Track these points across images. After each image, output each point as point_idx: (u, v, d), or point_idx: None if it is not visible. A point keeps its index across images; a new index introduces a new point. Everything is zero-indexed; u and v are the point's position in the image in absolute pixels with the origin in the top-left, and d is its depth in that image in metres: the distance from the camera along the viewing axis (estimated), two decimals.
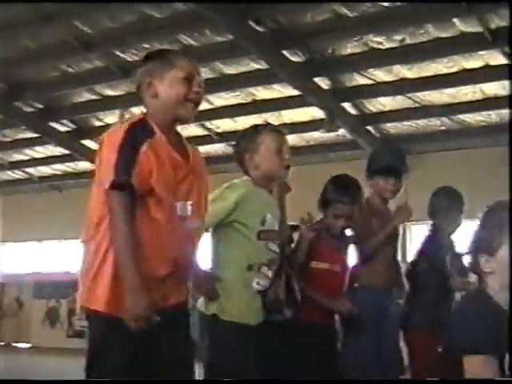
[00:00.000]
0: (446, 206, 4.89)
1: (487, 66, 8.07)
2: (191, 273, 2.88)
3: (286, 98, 9.43)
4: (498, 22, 7.19)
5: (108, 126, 10.67)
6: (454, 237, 4.78)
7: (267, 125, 3.74)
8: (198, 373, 3.22)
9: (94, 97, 10.17)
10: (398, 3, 7.17)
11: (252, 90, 9.37)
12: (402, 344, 4.54)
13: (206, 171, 2.94)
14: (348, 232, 4.37)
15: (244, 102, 9.73)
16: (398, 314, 4.55)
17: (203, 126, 10.51)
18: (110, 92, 9.94)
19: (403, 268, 4.82)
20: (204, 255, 3.12)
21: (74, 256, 12.86)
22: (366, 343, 4.16)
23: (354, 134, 9.91)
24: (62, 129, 11.34)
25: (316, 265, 4.05)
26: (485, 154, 9.36)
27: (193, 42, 8.31)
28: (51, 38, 8.64)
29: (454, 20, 7.30)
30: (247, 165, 3.55)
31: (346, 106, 9.46)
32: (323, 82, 8.95)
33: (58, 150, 12.05)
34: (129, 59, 8.90)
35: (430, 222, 4.97)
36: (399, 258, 4.73)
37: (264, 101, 9.59)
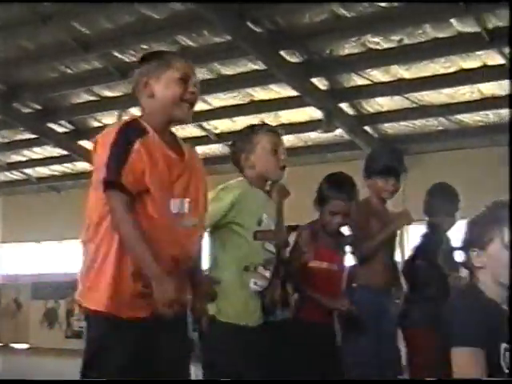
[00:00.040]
0: (441, 203, 4.90)
1: (485, 66, 8.08)
2: (192, 271, 2.89)
3: (284, 98, 9.44)
4: (495, 22, 7.20)
5: (106, 126, 10.68)
6: (450, 233, 4.79)
7: (264, 125, 3.74)
8: (197, 374, 3.23)
9: (92, 98, 10.17)
10: (396, 4, 7.18)
11: (250, 90, 9.38)
12: (400, 343, 4.55)
13: (203, 169, 2.95)
14: (345, 231, 4.38)
15: (242, 102, 9.73)
16: (397, 313, 4.55)
17: (201, 127, 10.51)
18: (108, 93, 9.94)
19: (400, 266, 4.82)
20: (203, 256, 3.13)
21: (73, 257, 12.88)
22: (365, 343, 4.17)
23: (352, 134, 9.92)
24: (60, 130, 11.35)
25: (314, 264, 4.06)
26: (483, 154, 9.38)
27: (191, 43, 8.31)
28: (49, 38, 8.64)
29: (452, 20, 7.31)
30: (243, 165, 3.56)
31: (344, 106, 9.47)
32: (321, 83, 8.95)
33: (56, 151, 12.05)
34: (127, 60, 8.90)
35: (426, 219, 4.98)
36: (397, 257, 4.73)
37: (262, 101, 9.60)
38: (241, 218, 3.34)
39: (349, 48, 8.10)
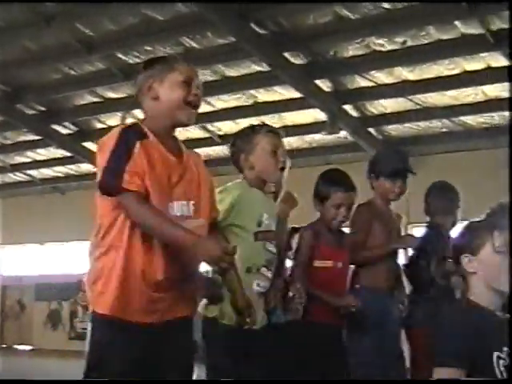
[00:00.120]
0: (441, 202, 4.89)
1: (489, 68, 8.07)
2: (196, 274, 2.89)
3: (288, 100, 9.43)
4: (499, 23, 7.19)
5: (110, 128, 10.67)
6: (452, 232, 4.78)
7: (264, 126, 3.73)
8: (200, 375, 3.22)
9: (95, 99, 10.17)
10: (400, 5, 7.17)
11: (253, 92, 9.38)
12: (403, 343, 4.55)
13: (207, 172, 2.95)
14: (346, 230, 4.39)
15: (245, 104, 9.74)
16: (400, 315, 4.55)
17: (205, 129, 10.51)
18: (111, 94, 9.95)
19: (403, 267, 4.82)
20: None
21: (76, 258, 12.89)
22: (369, 343, 4.17)
23: (356, 136, 9.92)
24: (64, 131, 11.36)
25: (319, 264, 4.05)
26: (486, 155, 9.37)
27: (194, 45, 8.31)
28: (53, 40, 8.64)
29: (456, 22, 7.30)
30: (242, 165, 3.56)
31: (348, 108, 9.46)
32: (325, 85, 8.95)
33: (60, 153, 12.06)
34: (130, 62, 8.90)
35: (427, 219, 4.97)
36: (400, 259, 4.72)
37: (265, 103, 9.60)
38: (241, 220, 3.34)
39: (353, 50, 8.09)
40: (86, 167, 12.38)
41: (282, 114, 9.83)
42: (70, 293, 13.38)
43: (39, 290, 14.26)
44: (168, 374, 2.72)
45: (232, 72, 8.92)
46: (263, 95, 9.45)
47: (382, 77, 8.61)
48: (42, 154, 12.42)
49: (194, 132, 10.20)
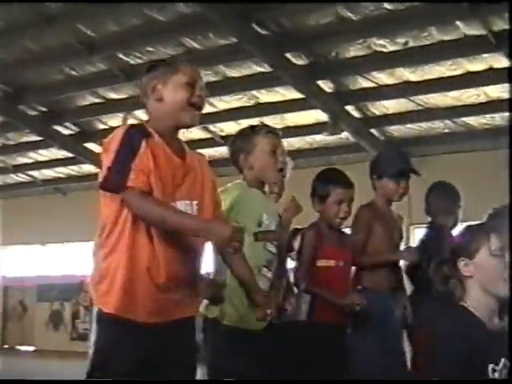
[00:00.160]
0: (442, 202, 4.89)
1: (491, 69, 8.06)
2: (199, 275, 2.90)
3: (290, 100, 9.42)
4: (501, 24, 7.17)
5: (112, 129, 10.65)
6: (453, 232, 4.78)
7: (263, 126, 3.74)
8: (201, 375, 3.22)
9: (97, 100, 10.17)
10: (401, 6, 7.16)
11: (255, 92, 9.37)
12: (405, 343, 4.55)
13: (211, 173, 2.97)
14: (347, 231, 4.39)
15: (247, 105, 9.73)
16: (402, 316, 4.55)
17: (206, 129, 10.51)
18: (113, 95, 9.94)
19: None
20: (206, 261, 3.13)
21: (78, 259, 12.90)
22: (371, 343, 4.17)
23: (358, 136, 9.90)
24: (66, 132, 11.35)
25: (322, 263, 4.06)
26: (489, 156, 9.35)
27: (196, 45, 8.31)
28: (54, 40, 8.64)
29: (458, 23, 7.29)
30: (242, 165, 3.57)
31: (350, 108, 9.45)
32: (326, 85, 8.94)
33: (62, 153, 12.05)
34: (132, 62, 8.90)
35: (429, 219, 4.97)
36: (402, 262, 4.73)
37: (267, 104, 9.59)
38: (240, 220, 3.35)
39: (354, 50, 8.08)
40: (87, 168, 12.38)
41: (284, 115, 9.81)
42: (72, 294, 13.38)
43: (41, 291, 14.24)
44: (172, 374, 2.72)
45: (234, 73, 8.91)
46: (265, 96, 9.45)
47: (383, 78, 8.60)
48: (44, 154, 12.41)
49: (195, 133, 10.19)
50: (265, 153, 3.51)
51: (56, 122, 11.00)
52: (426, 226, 5.09)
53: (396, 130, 10.07)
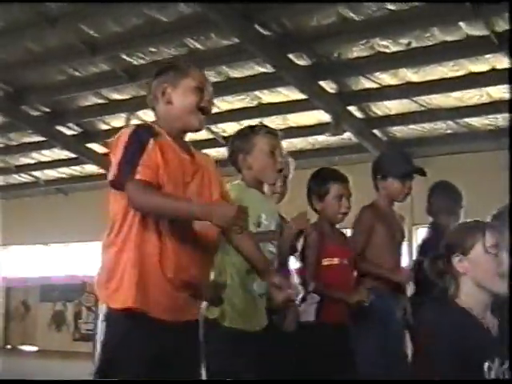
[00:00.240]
0: (443, 202, 4.89)
1: (493, 70, 8.06)
2: (209, 274, 2.91)
3: (292, 101, 9.43)
4: (503, 25, 7.17)
5: (114, 129, 10.68)
6: None
7: (262, 126, 3.74)
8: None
9: (100, 100, 10.18)
10: (404, 6, 7.16)
11: (258, 93, 9.37)
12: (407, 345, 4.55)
13: (217, 172, 3.00)
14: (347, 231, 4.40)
15: (250, 105, 9.74)
16: (403, 317, 4.55)
17: (209, 130, 10.50)
18: (116, 96, 9.95)
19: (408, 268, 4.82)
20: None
21: (80, 259, 12.92)
22: (373, 343, 4.17)
23: (360, 137, 9.91)
24: (69, 132, 11.36)
25: (327, 262, 4.07)
26: (491, 157, 9.34)
27: (199, 46, 8.32)
28: (57, 41, 8.65)
29: (460, 23, 7.29)
30: (240, 165, 3.58)
31: (352, 109, 9.45)
32: (329, 86, 8.95)
33: (65, 154, 12.07)
34: (135, 63, 8.91)
35: (430, 219, 4.97)
36: (405, 263, 4.73)
37: (270, 104, 9.59)
38: None
39: (357, 51, 8.09)
40: (90, 168, 12.40)
41: (286, 116, 9.82)
42: (75, 294, 13.42)
43: (44, 291, 14.29)
44: (179, 374, 2.73)
45: (236, 73, 8.92)
46: (267, 96, 9.45)
47: (386, 78, 8.60)
48: (47, 155, 12.44)
49: (198, 133, 10.18)
50: (263, 153, 3.51)
51: (59, 123, 11.01)
52: (427, 226, 5.09)
53: (398, 130, 10.07)
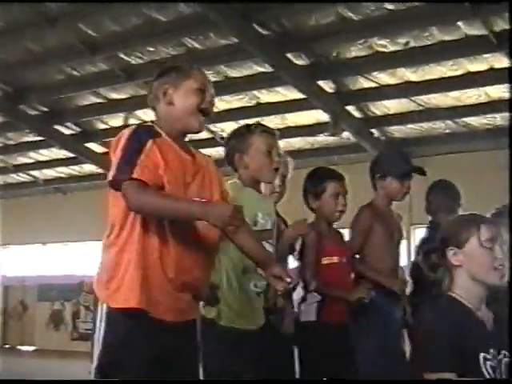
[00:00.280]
0: (442, 201, 4.90)
1: (492, 69, 8.05)
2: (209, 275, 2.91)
3: (290, 101, 9.42)
4: (502, 24, 7.17)
5: (112, 129, 10.68)
6: None
7: (259, 125, 3.75)
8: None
9: (98, 100, 10.17)
10: (402, 6, 7.16)
11: (256, 93, 9.37)
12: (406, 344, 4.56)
13: (218, 172, 3.01)
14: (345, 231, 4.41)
15: (248, 105, 9.73)
16: (402, 317, 4.56)
17: (207, 129, 10.50)
18: (114, 95, 9.94)
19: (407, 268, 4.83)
20: None
21: (79, 259, 12.91)
22: (372, 343, 4.18)
23: (359, 136, 9.90)
24: (67, 132, 11.35)
25: (326, 260, 4.08)
26: (490, 157, 9.35)
27: (197, 45, 8.31)
28: (56, 40, 8.64)
29: (459, 23, 7.29)
30: (237, 164, 3.58)
31: (351, 109, 9.45)
32: (327, 85, 8.94)
33: (63, 153, 12.05)
34: (133, 62, 8.90)
35: (429, 218, 4.97)
36: (403, 262, 4.73)
37: (268, 104, 9.59)
38: None
39: (355, 51, 8.08)
40: (88, 168, 12.38)
41: (285, 115, 9.81)
42: (73, 294, 13.39)
43: (42, 291, 14.25)
44: (178, 375, 2.73)
45: (234, 73, 8.91)
46: (266, 96, 9.45)
47: (384, 78, 8.59)
48: (45, 154, 12.42)
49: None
50: (260, 152, 3.52)
51: (57, 122, 11.00)
52: (426, 225, 5.10)
53: (397, 130, 10.07)
